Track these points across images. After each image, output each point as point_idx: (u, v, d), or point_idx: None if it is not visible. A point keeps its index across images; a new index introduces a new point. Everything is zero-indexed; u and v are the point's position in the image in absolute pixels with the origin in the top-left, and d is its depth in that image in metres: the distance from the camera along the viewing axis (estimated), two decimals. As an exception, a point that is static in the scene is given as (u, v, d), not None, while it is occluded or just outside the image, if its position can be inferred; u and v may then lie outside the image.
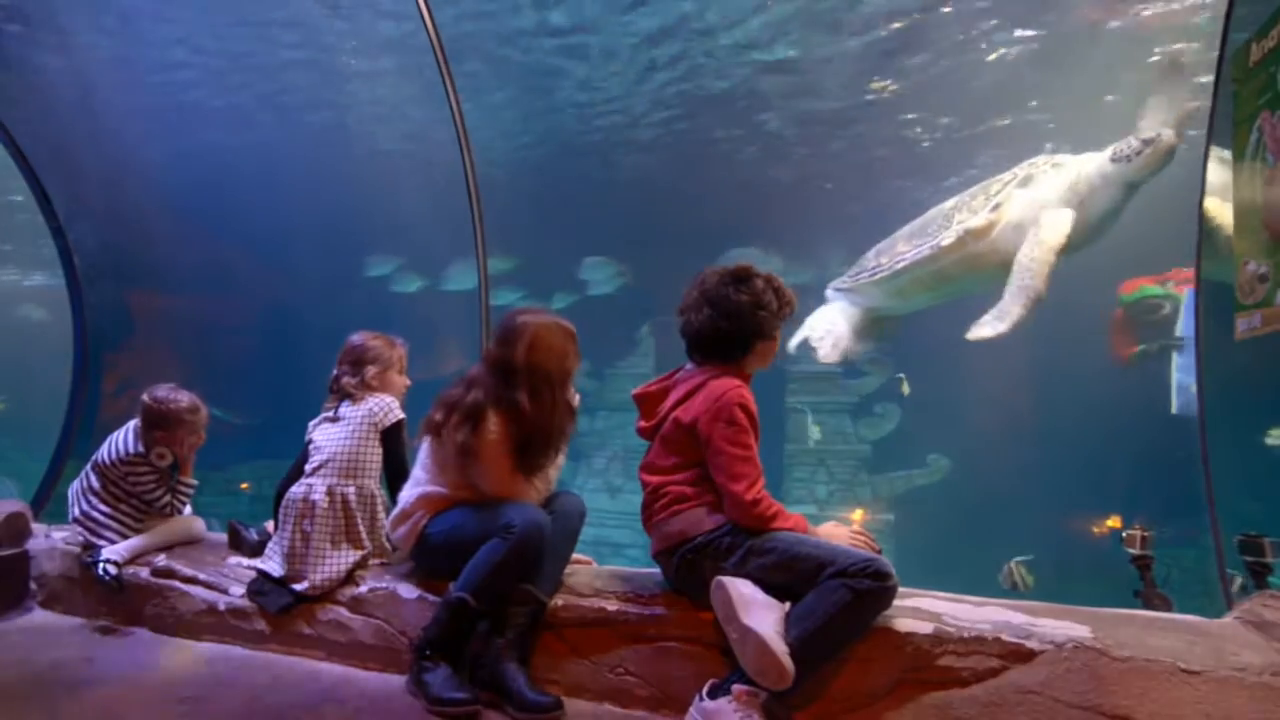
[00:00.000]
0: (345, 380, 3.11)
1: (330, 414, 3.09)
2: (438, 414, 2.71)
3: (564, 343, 2.75)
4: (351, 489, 2.95)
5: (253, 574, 3.02)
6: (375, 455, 3.02)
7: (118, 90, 9.64)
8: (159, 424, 3.29)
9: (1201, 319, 3.38)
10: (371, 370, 3.11)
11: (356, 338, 3.18)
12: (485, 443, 2.62)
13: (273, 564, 2.97)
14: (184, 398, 3.35)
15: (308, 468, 3.01)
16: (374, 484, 3.02)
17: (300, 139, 12.08)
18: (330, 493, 2.92)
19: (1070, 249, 5.71)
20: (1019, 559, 6.54)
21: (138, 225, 8.04)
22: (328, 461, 2.97)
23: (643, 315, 11.76)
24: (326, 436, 3.04)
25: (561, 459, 2.82)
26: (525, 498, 2.68)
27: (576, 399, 2.84)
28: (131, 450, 3.28)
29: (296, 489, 2.96)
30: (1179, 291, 6.61)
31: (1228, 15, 2.92)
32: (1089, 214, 5.71)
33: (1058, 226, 5.67)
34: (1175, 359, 6.21)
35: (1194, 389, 5.93)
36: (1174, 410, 6.19)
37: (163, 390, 3.33)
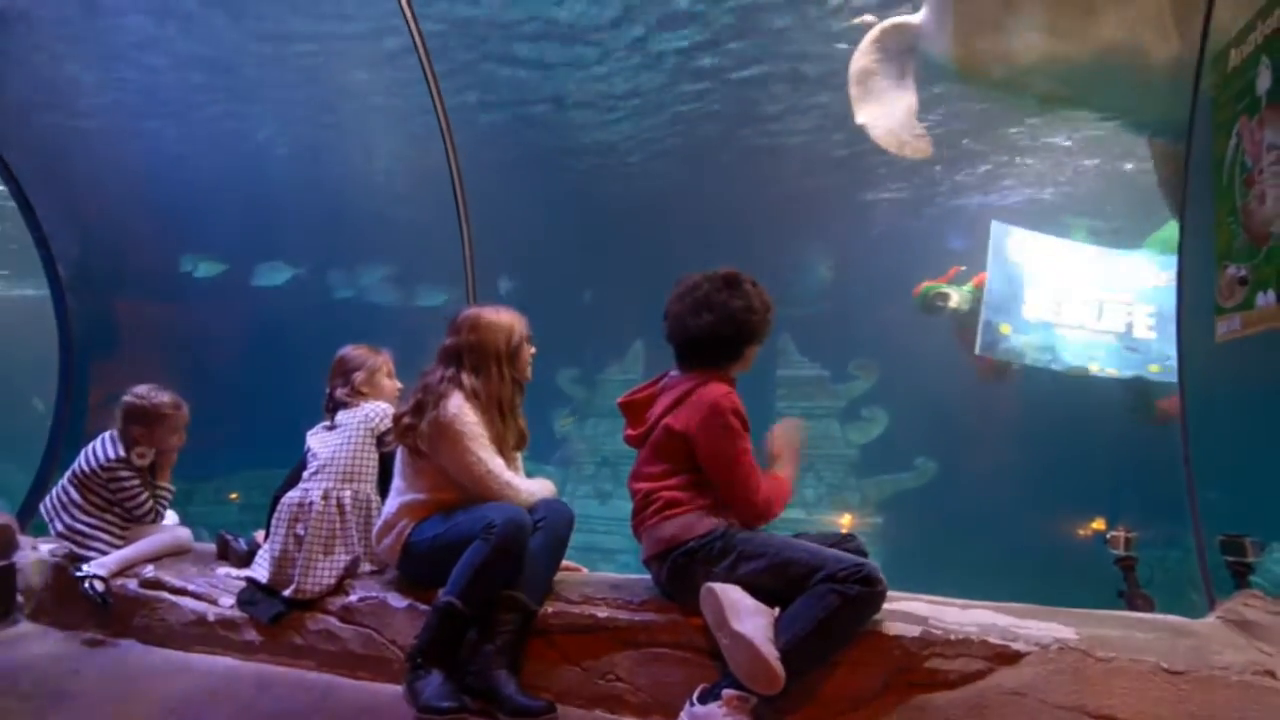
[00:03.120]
0: (338, 391, 3.21)
1: (328, 424, 3.17)
2: (406, 417, 2.75)
3: (507, 320, 2.85)
4: (348, 492, 2.97)
5: (242, 584, 3.01)
6: (372, 460, 3.06)
7: (102, 98, 9.59)
8: (139, 420, 3.28)
9: (1184, 322, 3.41)
10: (359, 376, 3.22)
11: (340, 352, 3.31)
12: (451, 415, 2.66)
13: (260, 570, 2.96)
14: (166, 395, 3.35)
15: (305, 474, 3.04)
16: (370, 489, 3.04)
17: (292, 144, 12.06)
18: (326, 495, 2.93)
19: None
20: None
21: (123, 234, 7.99)
22: (325, 466, 3.00)
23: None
24: (323, 443, 3.09)
25: (523, 434, 2.91)
26: (504, 474, 2.69)
27: (530, 359, 2.91)
28: (112, 455, 3.25)
29: (292, 494, 2.99)
30: (976, 284, 6.39)
31: (1206, 20, 2.97)
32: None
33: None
34: (986, 300, 5.85)
35: (1002, 329, 5.73)
36: (977, 350, 5.79)
37: (143, 388, 3.33)
